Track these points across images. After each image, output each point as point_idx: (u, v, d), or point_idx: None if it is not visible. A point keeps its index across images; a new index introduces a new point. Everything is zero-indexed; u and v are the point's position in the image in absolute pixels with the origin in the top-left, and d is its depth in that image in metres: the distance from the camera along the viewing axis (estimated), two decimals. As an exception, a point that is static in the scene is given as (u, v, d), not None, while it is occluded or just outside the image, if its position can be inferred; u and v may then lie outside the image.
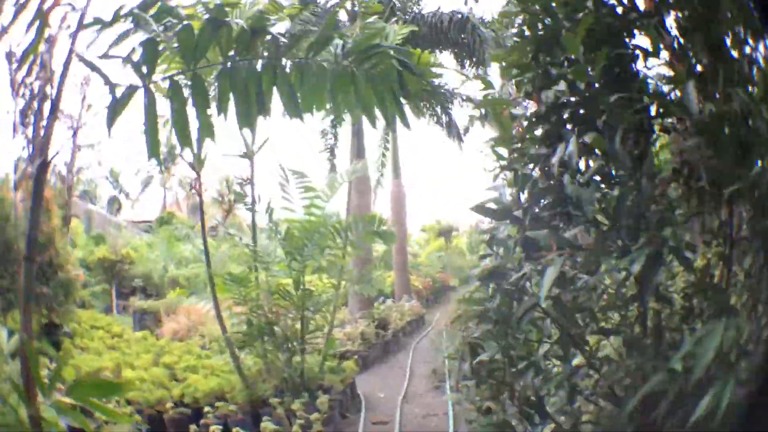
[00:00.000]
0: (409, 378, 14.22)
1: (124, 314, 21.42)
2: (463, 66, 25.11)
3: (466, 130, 30.97)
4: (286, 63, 4.13)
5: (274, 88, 4.15)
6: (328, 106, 4.51)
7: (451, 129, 27.23)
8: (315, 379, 10.29)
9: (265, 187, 10.64)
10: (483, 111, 27.80)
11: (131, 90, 3.94)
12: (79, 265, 21.21)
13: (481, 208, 3.58)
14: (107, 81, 3.93)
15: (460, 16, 20.64)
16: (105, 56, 3.93)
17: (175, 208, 48.97)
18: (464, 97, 27.37)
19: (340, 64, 4.08)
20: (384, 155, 28.87)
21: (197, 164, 9.84)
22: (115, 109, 3.94)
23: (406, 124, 4.82)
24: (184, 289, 22.30)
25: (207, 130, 4.15)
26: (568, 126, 3.25)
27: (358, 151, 20.02)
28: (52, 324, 12.01)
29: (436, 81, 25.26)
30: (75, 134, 19.23)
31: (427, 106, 26.35)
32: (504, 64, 3.82)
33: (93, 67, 3.94)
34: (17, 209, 12.10)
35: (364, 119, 4.57)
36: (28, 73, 14.03)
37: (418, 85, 4.52)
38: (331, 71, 4.11)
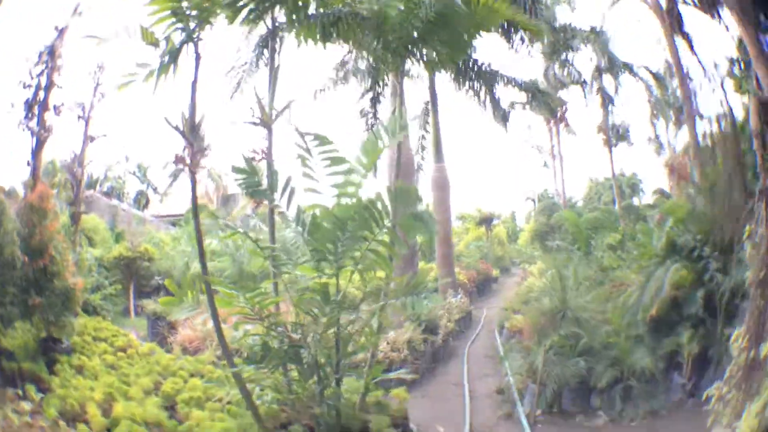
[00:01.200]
0: (470, 400, 11.67)
1: (142, 316, 19.31)
2: (511, 43, 22.80)
3: (507, 114, 28.90)
4: None
5: None
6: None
7: (498, 110, 24.78)
8: (355, 419, 7.74)
9: (288, 164, 7.77)
10: (529, 96, 25.66)
11: None
12: (96, 264, 20.28)
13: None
14: None
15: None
16: None
17: (205, 200, 46.90)
18: (507, 79, 25.12)
19: None
20: (424, 137, 26.57)
21: (188, 131, 7.28)
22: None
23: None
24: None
25: None
26: None
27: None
28: (51, 338, 10.49)
29: (480, 60, 23.18)
30: (87, 124, 17.82)
31: (471, 84, 24.16)
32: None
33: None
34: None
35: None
36: (38, 61, 11.74)
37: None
38: None
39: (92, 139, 18.09)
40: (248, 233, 7.67)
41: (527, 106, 32.59)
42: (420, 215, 7.24)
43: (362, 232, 6.94)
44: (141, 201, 49.33)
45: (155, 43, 7.14)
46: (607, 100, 28.37)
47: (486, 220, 40.93)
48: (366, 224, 6.81)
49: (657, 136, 37.95)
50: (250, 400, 7.21)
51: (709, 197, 10.88)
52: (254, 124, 8.02)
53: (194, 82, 7.17)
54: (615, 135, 28.76)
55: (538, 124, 40.90)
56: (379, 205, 6.69)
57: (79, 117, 17.47)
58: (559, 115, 36.39)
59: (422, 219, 7.22)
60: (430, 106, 24.81)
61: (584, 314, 10.54)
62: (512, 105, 32.48)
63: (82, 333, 11.84)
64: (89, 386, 9.10)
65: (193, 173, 7.24)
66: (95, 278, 18.54)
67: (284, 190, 7.39)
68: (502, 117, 24.79)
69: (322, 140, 6.89)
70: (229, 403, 8.45)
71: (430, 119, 24.81)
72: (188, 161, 7.13)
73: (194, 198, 7.50)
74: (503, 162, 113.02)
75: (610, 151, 28.03)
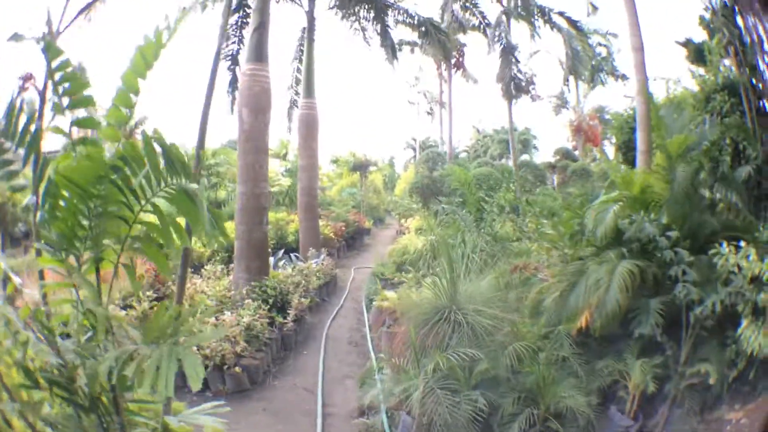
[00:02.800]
0: (325, 422, 8.58)
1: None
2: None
3: (397, 49, 26.09)
4: None
5: None
6: None
7: (387, 43, 21.47)
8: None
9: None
10: (424, 29, 22.52)
11: None
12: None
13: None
14: None
15: None
16: None
17: (88, 132, 44.67)
18: (399, 11, 21.97)
19: None
20: (299, 69, 23.09)
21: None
22: None
23: None
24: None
25: None
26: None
27: (258, 55, 13.70)
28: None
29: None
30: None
31: (358, 12, 20.92)
32: None
33: None
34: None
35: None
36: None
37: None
38: None
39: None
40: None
41: (419, 46, 30.03)
42: (187, 190, 3.81)
43: (115, 208, 3.65)
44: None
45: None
46: (508, 49, 25.39)
47: (361, 166, 37.81)
48: (117, 195, 3.52)
49: (562, 93, 36.08)
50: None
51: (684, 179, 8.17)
52: (35, 40, 4.58)
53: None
54: (516, 87, 25.99)
55: (429, 67, 38.83)
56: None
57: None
58: (455, 60, 33.77)
59: (190, 197, 3.81)
60: (306, 34, 21.16)
61: (482, 319, 7.55)
62: (410, 46, 29.91)
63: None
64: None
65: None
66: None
67: (21, 135, 3.91)
68: (391, 51, 21.53)
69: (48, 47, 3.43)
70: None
71: (305, 48, 21.17)
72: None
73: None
74: (384, 105, 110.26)
75: (510, 104, 25.36)
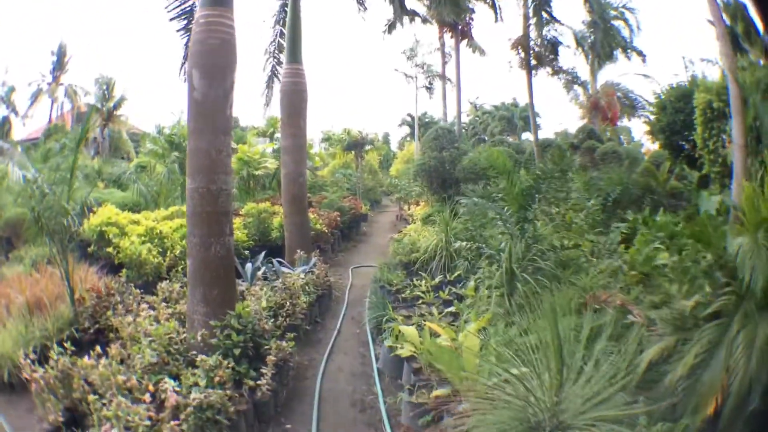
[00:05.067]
0: None
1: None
2: None
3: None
4: None
5: None
6: None
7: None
8: None
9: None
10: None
11: None
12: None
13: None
14: None
15: None
16: None
17: (61, 120, 46.66)
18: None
19: None
20: (282, 34, 19.24)
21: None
22: None
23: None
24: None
25: None
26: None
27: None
28: None
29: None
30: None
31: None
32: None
33: None
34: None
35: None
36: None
37: None
38: None
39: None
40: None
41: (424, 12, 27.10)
42: None
43: None
44: (5, 127, 47.91)
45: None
46: (540, 4, 21.23)
47: (356, 145, 34.07)
48: None
49: (571, 69, 32.87)
50: None
51: None
52: None
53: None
54: (537, 57, 22.23)
55: (427, 39, 36.25)
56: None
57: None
58: (461, 27, 30.01)
59: None
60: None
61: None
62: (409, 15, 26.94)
63: None
64: None
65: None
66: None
67: None
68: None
69: None
70: None
71: (289, 6, 17.10)
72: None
73: None
74: (375, 78, 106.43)
75: (529, 74, 21.54)
